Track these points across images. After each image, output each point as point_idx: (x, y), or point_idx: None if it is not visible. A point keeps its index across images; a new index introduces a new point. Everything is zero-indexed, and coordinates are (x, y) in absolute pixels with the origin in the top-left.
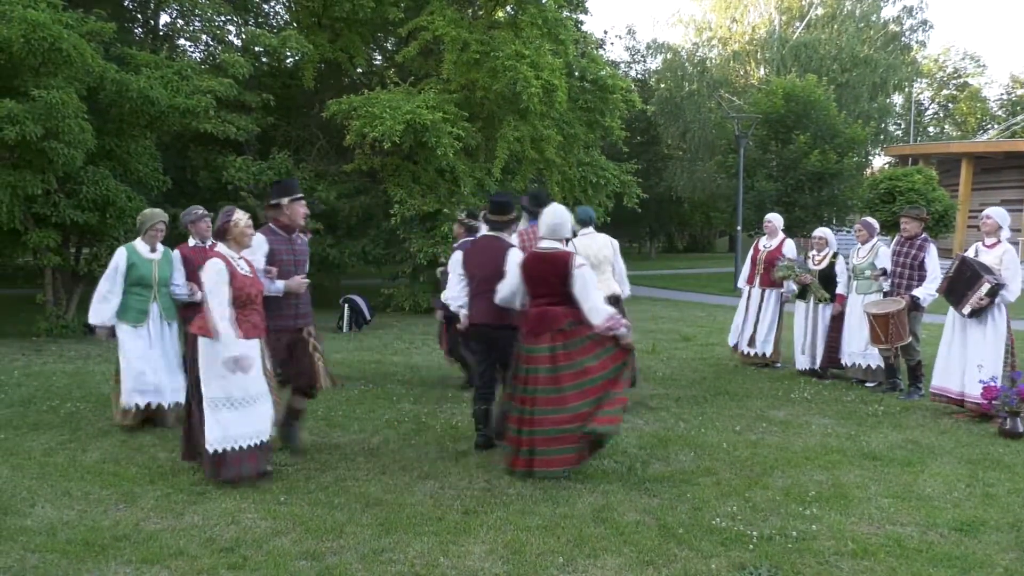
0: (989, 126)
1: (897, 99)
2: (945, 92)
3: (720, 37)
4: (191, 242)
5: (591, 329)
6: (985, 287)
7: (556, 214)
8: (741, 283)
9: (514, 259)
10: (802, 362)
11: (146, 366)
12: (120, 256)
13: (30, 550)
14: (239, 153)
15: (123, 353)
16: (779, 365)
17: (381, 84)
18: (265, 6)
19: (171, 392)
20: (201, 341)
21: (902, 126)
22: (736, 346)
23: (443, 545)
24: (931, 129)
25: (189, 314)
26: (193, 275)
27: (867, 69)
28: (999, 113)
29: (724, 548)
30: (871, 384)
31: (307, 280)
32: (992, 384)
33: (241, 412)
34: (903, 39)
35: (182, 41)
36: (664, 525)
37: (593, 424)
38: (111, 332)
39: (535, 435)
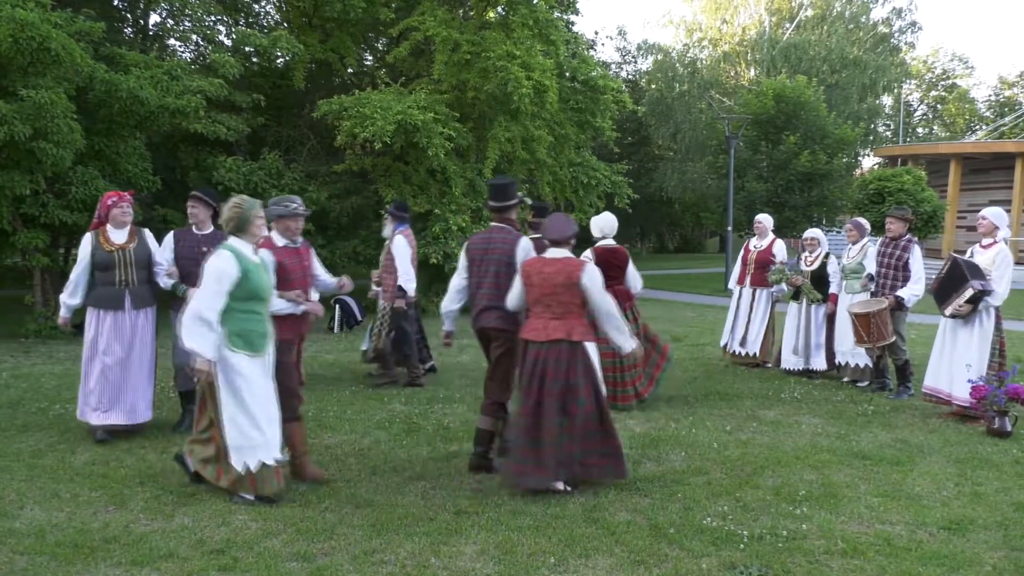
0: (977, 127)
1: (886, 100)
2: (934, 93)
3: (710, 38)
4: (279, 241)
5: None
6: (968, 293)
7: (610, 219)
8: (732, 284)
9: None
10: (793, 362)
11: (270, 411)
12: (229, 263)
13: (19, 552)
14: (229, 153)
15: (244, 393)
16: (769, 365)
17: (372, 84)
18: (255, 6)
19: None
20: (590, 347)
21: (891, 127)
22: (726, 347)
23: (434, 546)
24: (920, 130)
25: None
26: (288, 284)
27: (856, 70)
28: (987, 114)
29: (715, 548)
30: (861, 384)
31: None
32: (980, 384)
33: None
34: (892, 40)
35: (172, 41)
36: (655, 525)
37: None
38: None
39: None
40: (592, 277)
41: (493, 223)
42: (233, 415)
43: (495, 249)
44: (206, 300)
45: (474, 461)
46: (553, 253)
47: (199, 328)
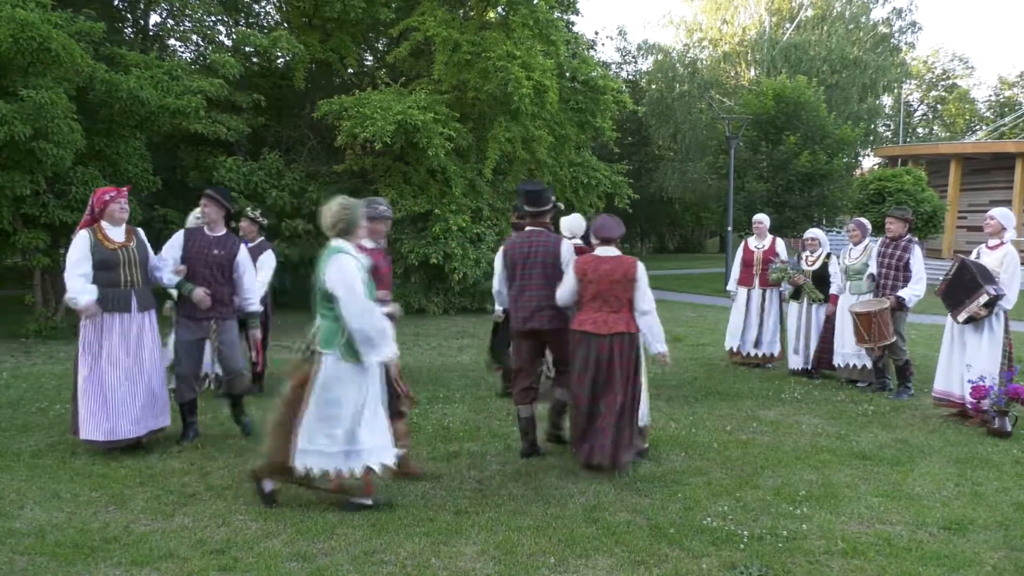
0: (977, 127)
1: (886, 100)
2: (934, 93)
3: (711, 38)
4: (368, 244)
5: None
6: (983, 298)
7: (578, 220)
8: (731, 286)
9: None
10: (795, 362)
11: (359, 420)
12: (355, 267)
13: (19, 552)
14: (229, 154)
15: (343, 401)
16: (771, 365)
17: (372, 84)
18: (256, 6)
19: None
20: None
21: (891, 127)
22: (733, 349)
23: (434, 546)
24: (920, 130)
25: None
26: (380, 287)
27: (857, 70)
28: (987, 114)
29: (715, 548)
30: (862, 384)
31: None
32: (980, 383)
33: None
34: (892, 41)
35: (172, 41)
36: (655, 525)
37: None
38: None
39: None
40: (643, 274)
41: (529, 227)
42: (311, 419)
43: (538, 252)
44: (366, 305)
45: (551, 433)
46: (605, 251)
47: (382, 331)
